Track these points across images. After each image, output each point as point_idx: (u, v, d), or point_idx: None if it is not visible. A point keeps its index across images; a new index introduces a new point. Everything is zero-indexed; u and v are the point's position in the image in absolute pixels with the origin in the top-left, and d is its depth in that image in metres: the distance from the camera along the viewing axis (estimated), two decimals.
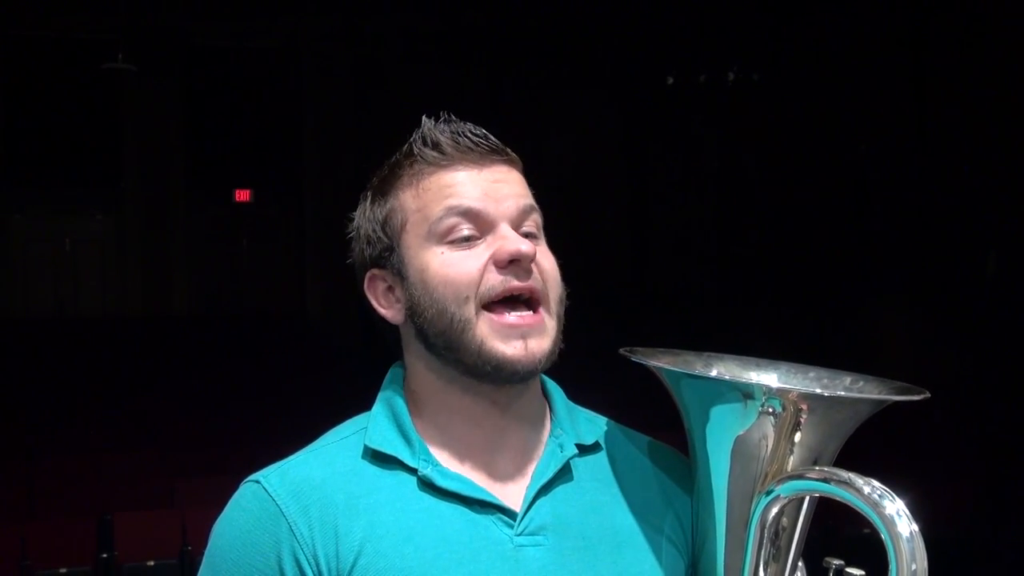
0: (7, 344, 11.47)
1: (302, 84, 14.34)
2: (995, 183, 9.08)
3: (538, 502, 1.06)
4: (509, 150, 1.11)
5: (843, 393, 1.07)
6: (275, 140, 14.61)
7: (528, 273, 1.05)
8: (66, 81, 13.91)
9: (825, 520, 4.98)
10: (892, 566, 0.92)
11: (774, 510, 1.01)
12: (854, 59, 10.88)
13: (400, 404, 1.10)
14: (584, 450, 1.12)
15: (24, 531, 5.47)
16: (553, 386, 1.17)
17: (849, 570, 1.01)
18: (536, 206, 1.11)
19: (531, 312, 1.05)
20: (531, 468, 1.09)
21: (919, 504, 0.97)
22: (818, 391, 1.04)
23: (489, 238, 1.06)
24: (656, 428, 1.34)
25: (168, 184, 14.13)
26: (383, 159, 1.14)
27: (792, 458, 1.01)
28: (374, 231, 1.11)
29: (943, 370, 8.88)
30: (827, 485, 0.96)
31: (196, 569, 1.08)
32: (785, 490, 1.00)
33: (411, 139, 1.10)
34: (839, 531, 5.17)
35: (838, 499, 0.96)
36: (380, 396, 1.13)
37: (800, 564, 1.07)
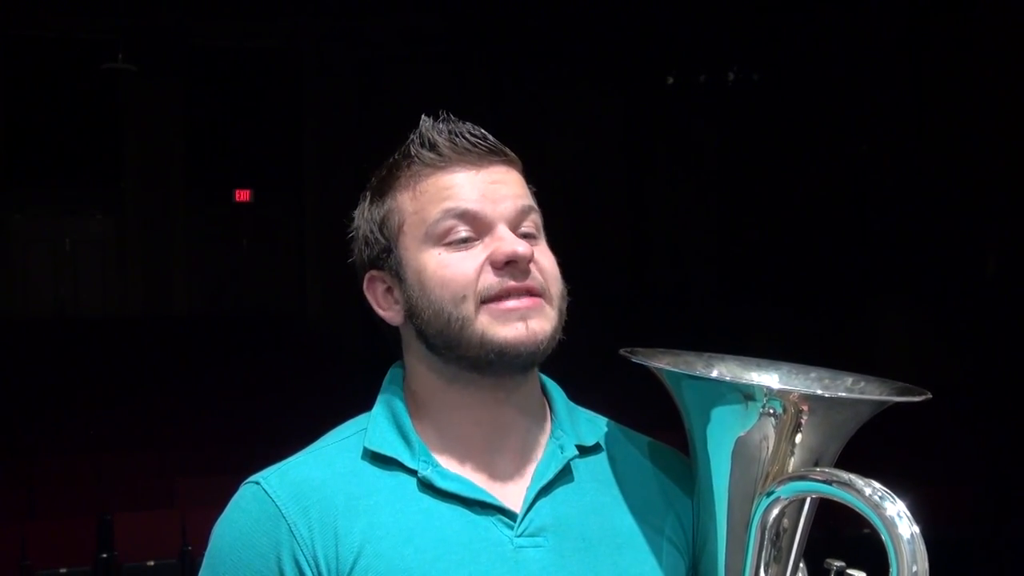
0: (7, 344, 11.47)
1: (302, 84, 14.34)
2: (995, 183, 9.08)
3: (538, 503, 1.06)
4: (508, 150, 1.10)
5: (844, 394, 1.07)
6: (275, 140, 14.60)
7: (525, 274, 1.05)
8: (66, 81, 13.91)
9: (825, 520, 4.98)
10: (893, 568, 0.91)
11: (775, 511, 1.01)
12: (854, 59, 10.88)
13: (400, 405, 1.10)
14: (584, 451, 1.12)
15: (24, 531, 5.47)
16: (553, 386, 1.17)
17: (850, 572, 1.01)
18: (535, 206, 1.11)
19: (530, 296, 1.05)
20: (531, 469, 1.09)
21: (919, 505, 0.97)
22: (819, 392, 1.04)
23: (487, 239, 1.05)
24: (656, 428, 1.34)
25: (168, 184, 14.13)
26: (383, 159, 1.14)
27: (793, 459, 1.00)
28: (372, 232, 1.11)
29: (943, 370, 8.88)
30: (828, 486, 0.96)
31: (196, 569, 1.08)
32: (786, 491, 0.99)
33: (409, 140, 1.09)
34: (839, 532, 5.17)
35: (839, 500, 0.96)
36: (380, 397, 1.13)
37: (801, 565, 1.07)
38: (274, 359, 11.62)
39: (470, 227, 1.05)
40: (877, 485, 0.94)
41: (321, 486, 1.04)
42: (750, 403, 1.00)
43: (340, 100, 13.98)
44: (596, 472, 1.12)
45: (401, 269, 1.08)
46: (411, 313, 1.07)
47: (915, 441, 7.15)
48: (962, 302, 9.20)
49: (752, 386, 1.04)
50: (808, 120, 11.65)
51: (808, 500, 1.03)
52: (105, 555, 5.52)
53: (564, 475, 1.09)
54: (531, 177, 1.13)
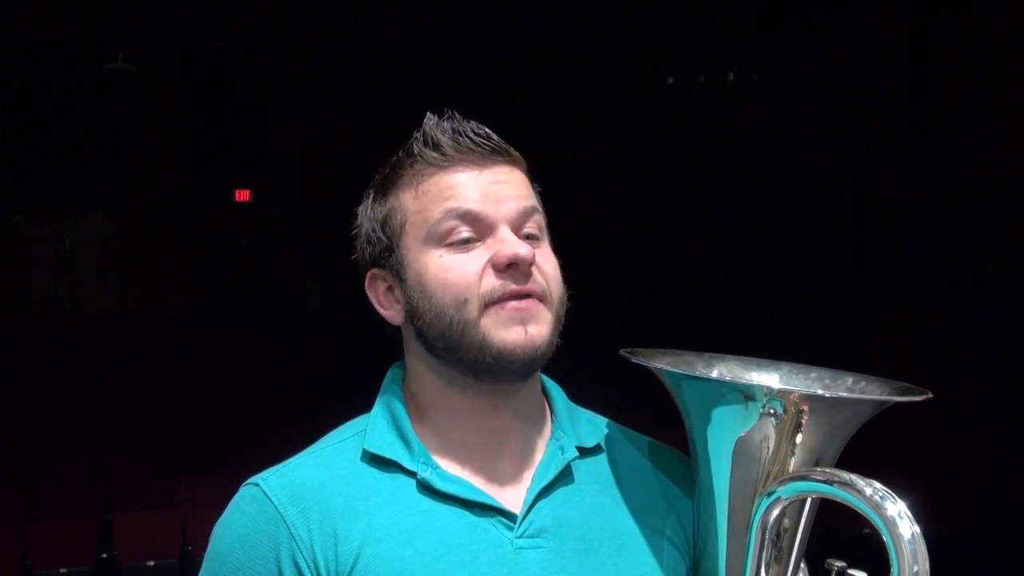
0: (7, 344, 11.47)
1: (302, 84, 14.33)
2: (995, 183, 9.07)
3: (538, 504, 1.05)
4: (512, 149, 1.09)
5: (845, 394, 1.07)
6: (275, 140, 14.60)
7: (527, 276, 1.04)
8: (66, 81, 13.91)
9: (826, 520, 4.98)
10: (894, 568, 0.91)
11: (776, 512, 1.01)
12: (854, 59, 10.88)
13: (399, 407, 1.10)
14: (585, 452, 1.11)
15: (24, 531, 5.47)
16: (554, 387, 1.16)
17: (851, 572, 1.00)
18: (539, 207, 1.10)
19: (530, 299, 1.04)
20: (531, 471, 1.08)
21: (919, 505, 0.96)
22: (820, 392, 1.04)
23: (488, 241, 1.04)
24: (656, 428, 1.34)
25: (168, 184, 14.13)
26: (383, 159, 1.13)
27: (794, 459, 1.00)
28: (374, 231, 1.10)
29: (943, 370, 8.88)
30: (829, 487, 0.96)
31: (196, 569, 1.08)
32: (787, 492, 0.99)
33: (413, 138, 1.08)
34: (838, 531, 5.17)
35: (840, 501, 0.96)
36: (379, 398, 1.12)
37: (802, 566, 1.07)
38: (274, 359, 11.62)
39: (472, 228, 1.05)
40: (878, 485, 0.94)
41: (320, 488, 1.03)
42: (751, 403, 1.00)
43: (340, 100, 13.97)
44: (596, 473, 1.11)
45: (402, 269, 1.07)
46: (412, 314, 1.07)
47: (914, 441, 7.15)
48: (962, 302, 9.19)
49: (753, 386, 1.04)
50: (808, 120, 11.64)
51: (809, 500, 1.03)
52: (105, 555, 5.53)
53: (564, 476, 1.08)
54: (531, 177, 1.12)
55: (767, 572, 1.02)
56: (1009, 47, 9.09)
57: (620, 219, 14.05)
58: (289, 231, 14.91)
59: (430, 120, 1.08)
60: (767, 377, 1.12)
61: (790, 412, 0.99)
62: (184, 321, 13.66)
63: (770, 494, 1.00)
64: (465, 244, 1.04)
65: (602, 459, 1.13)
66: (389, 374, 1.15)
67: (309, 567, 1.00)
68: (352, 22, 13.51)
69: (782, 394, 1.00)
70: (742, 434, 1.01)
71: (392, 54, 13.72)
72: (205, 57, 14.30)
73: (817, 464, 1.01)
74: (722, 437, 1.03)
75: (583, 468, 1.11)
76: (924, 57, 10.25)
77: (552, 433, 1.12)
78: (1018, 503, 6.20)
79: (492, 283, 1.03)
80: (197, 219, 14.44)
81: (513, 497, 1.06)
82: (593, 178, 13.49)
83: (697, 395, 1.05)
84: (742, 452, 1.02)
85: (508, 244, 1.03)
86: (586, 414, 1.17)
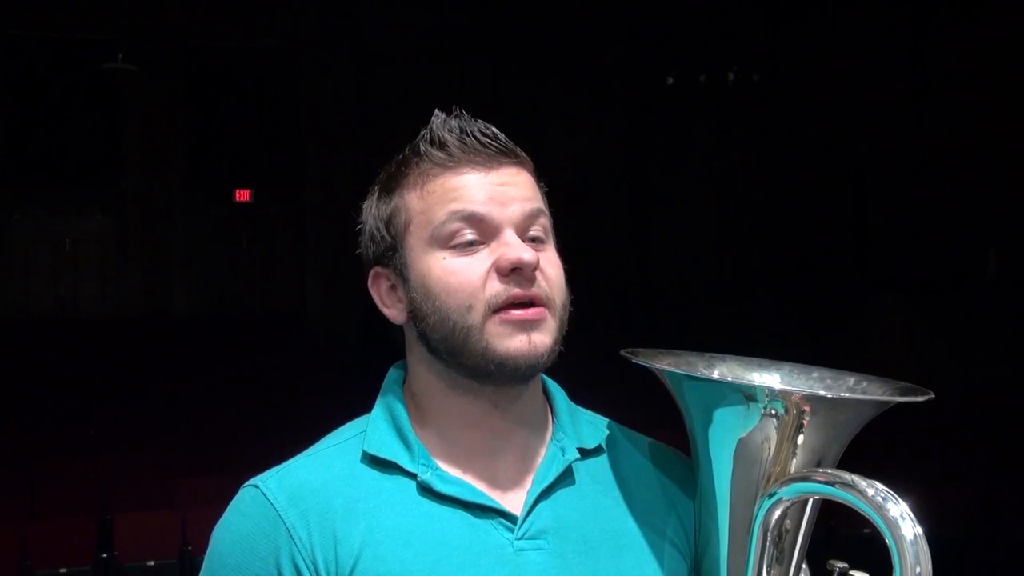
0: (7, 344, 11.47)
1: (302, 84, 14.33)
2: (995, 182, 9.07)
3: (539, 506, 1.05)
4: (519, 150, 1.08)
5: (846, 394, 1.06)
6: (275, 140, 14.60)
7: (531, 281, 1.03)
8: (66, 81, 13.92)
9: (827, 520, 4.98)
10: (896, 569, 0.91)
11: (777, 513, 1.00)
12: (854, 59, 10.88)
13: (399, 408, 1.09)
14: (586, 454, 1.11)
15: (24, 531, 5.47)
16: (555, 388, 1.16)
17: (853, 573, 1.00)
18: (545, 209, 1.09)
19: (534, 306, 1.03)
20: (532, 472, 1.08)
21: (919, 505, 0.96)
22: (821, 393, 1.03)
23: (493, 244, 1.03)
24: (657, 428, 1.34)
25: (168, 184, 14.13)
26: (383, 159, 1.13)
27: (795, 460, 1.00)
28: (378, 229, 1.09)
29: (943, 370, 8.88)
30: (831, 488, 0.95)
31: (196, 569, 1.08)
32: (788, 492, 0.99)
33: (420, 136, 1.07)
34: (838, 531, 5.17)
35: (842, 502, 0.95)
36: (380, 399, 1.12)
37: (804, 566, 1.06)
38: (274, 359, 11.62)
39: (476, 231, 1.03)
40: (880, 486, 0.93)
41: (320, 489, 1.03)
42: (752, 404, 1.00)
43: (340, 100, 13.97)
44: (597, 474, 1.11)
45: (406, 269, 1.06)
46: (414, 315, 1.06)
47: (915, 441, 7.15)
48: (961, 302, 9.19)
49: (754, 387, 1.03)
50: (808, 120, 11.65)
51: (810, 501, 1.02)
52: (105, 555, 5.52)
53: (565, 478, 1.08)
54: (538, 177, 1.11)
55: (768, 573, 1.02)
56: (1009, 47, 9.09)
57: (620, 219, 14.05)
58: (289, 231, 14.92)
59: (437, 118, 1.06)
60: (768, 377, 1.12)
61: (791, 413, 0.99)
62: (184, 321, 13.67)
63: (772, 495, 0.99)
64: (469, 247, 1.03)
65: (603, 460, 1.13)
66: (389, 374, 1.14)
67: (309, 569, 0.99)
68: (351, 22, 13.51)
69: (783, 395, 1.00)
70: (743, 435, 1.01)
71: (391, 54, 13.72)
72: (205, 57, 14.30)
73: (819, 465, 1.00)
74: (723, 438, 1.02)
75: (584, 469, 1.10)
76: (924, 57, 10.25)
77: (553, 434, 1.11)
78: (1018, 503, 6.19)
79: (496, 288, 1.02)
80: (197, 219, 14.45)
81: (514, 499, 1.05)
82: (593, 178, 13.49)
83: (698, 396, 1.05)
84: (743, 453, 1.01)
85: (512, 248, 1.02)
86: (587, 415, 1.17)
